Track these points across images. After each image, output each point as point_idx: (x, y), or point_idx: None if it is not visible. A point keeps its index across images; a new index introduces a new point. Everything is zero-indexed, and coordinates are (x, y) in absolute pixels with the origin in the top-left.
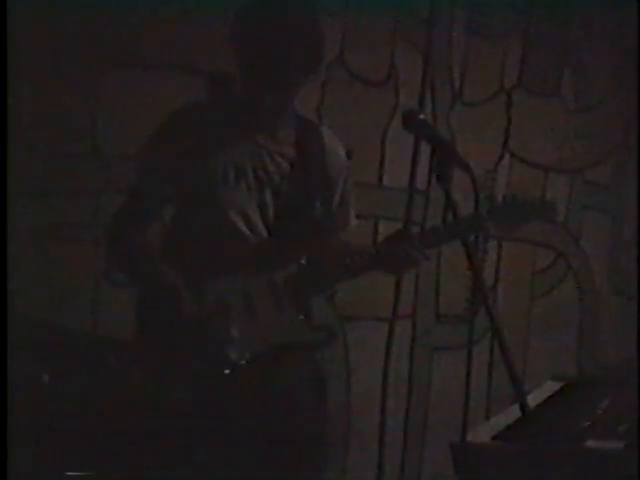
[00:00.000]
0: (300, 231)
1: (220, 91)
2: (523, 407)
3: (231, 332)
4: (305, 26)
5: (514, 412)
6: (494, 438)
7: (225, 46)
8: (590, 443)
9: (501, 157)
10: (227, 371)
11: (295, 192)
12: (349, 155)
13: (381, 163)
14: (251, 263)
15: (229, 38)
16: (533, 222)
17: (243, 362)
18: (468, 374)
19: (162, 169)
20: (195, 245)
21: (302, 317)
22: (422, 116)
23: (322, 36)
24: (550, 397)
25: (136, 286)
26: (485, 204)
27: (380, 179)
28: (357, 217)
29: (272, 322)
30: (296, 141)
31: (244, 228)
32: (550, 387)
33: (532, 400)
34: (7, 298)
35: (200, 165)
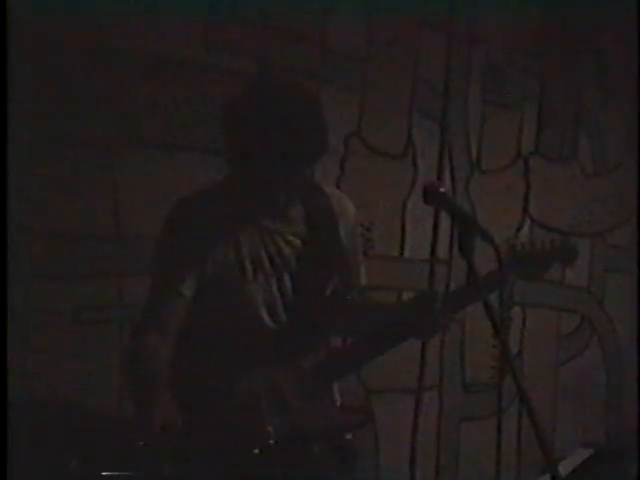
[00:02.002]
0: (322, 309)
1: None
2: (554, 478)
3: (262, 421)
4: (305, 113)
5: None
6: None
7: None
8: None
9: (521, 224)
10: (256, 451)
11: (312, 270)
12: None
13: (402, 235)
14: (278, 352)
15: (226, 123)
16: (555, 265)
17: (272, 441)
18: (499, 444)
19: (176, 262)
20: (219, 339)
21: (337, 405)
22: (442, 189)
23: (323, 123)
24: (581, 465)
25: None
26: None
27: (402, 251)
28: (378, 288)
29: (303, 409)
30: (307, 215)
31: (268, 319)
32: (580, 454)
33: (563, 468)
34: (7, 303)
35: (214, 258)
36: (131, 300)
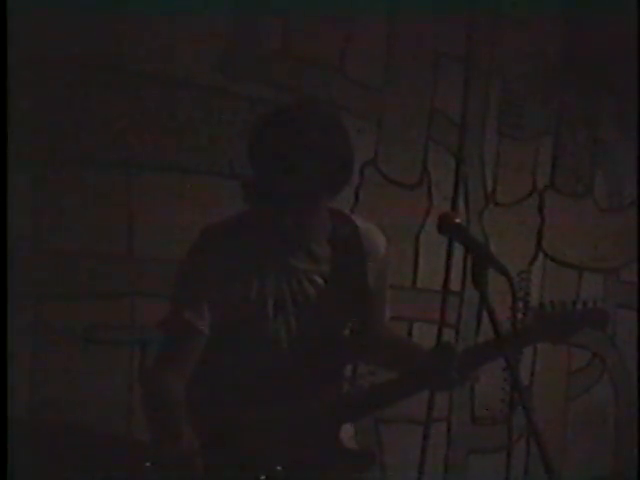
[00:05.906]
0: (338, 350)
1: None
2: None
3: (270, 453)
4: (328, 141)
5: None
6: None
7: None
8: None
9: (534, 257)
10: (263, 477)
11: (332, 310)
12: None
13: (415, 265)
14: (292, 390)
15: (246, 154)
16: (585, 330)
17: (279, 468)
18: (507, 477)
19: (195, 296)
20: (235, 373)
21: (346, 446)
22: (457, 220)
23: (348, 151)
24: None
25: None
26: (533, 309)
27: (414, 281)
28: (392, 318)
29: (311, 447)
30: (333, 255)
31: (285, 357)
32: None
33: None
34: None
35: (236, 294)
36: (143, 321)
